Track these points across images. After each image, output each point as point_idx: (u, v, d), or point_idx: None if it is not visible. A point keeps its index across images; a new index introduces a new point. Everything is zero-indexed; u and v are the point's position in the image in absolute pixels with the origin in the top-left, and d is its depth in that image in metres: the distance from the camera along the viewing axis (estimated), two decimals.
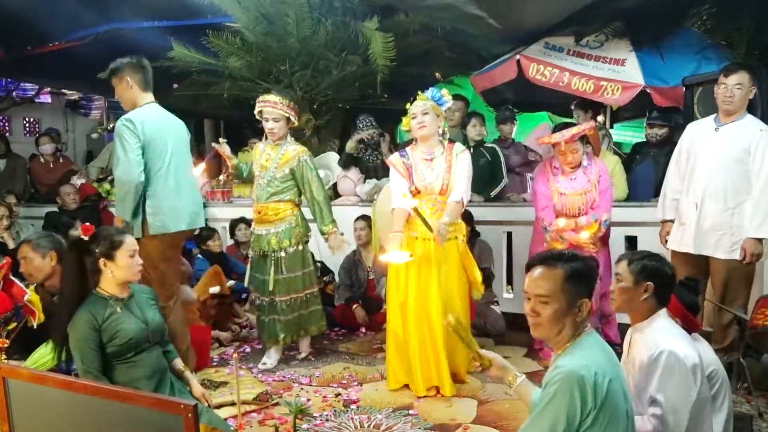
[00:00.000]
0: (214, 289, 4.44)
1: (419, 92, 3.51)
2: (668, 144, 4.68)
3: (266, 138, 4.00)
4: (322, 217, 3.94)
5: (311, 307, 4.06)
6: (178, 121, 3.57)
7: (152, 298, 2.75)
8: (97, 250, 2.52)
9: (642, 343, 2.20)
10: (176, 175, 3.41)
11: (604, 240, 3.91)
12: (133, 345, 2.51)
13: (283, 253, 3.91)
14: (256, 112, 3.95)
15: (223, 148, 4.01)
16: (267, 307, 3.96)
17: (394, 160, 3.61)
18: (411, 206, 3.29)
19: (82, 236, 2.52)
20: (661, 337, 2.14)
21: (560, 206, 3.81)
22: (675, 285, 2.31)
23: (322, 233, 3.99)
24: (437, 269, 3.44)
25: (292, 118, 3.94)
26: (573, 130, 3.75)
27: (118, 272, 2.53)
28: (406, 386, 3.53)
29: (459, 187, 3.47)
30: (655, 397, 2.06)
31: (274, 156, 3.92)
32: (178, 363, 2.80)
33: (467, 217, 4.68)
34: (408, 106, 3.53)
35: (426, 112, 3.43)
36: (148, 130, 3.29)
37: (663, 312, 2.25)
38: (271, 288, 3.90)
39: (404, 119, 3.59)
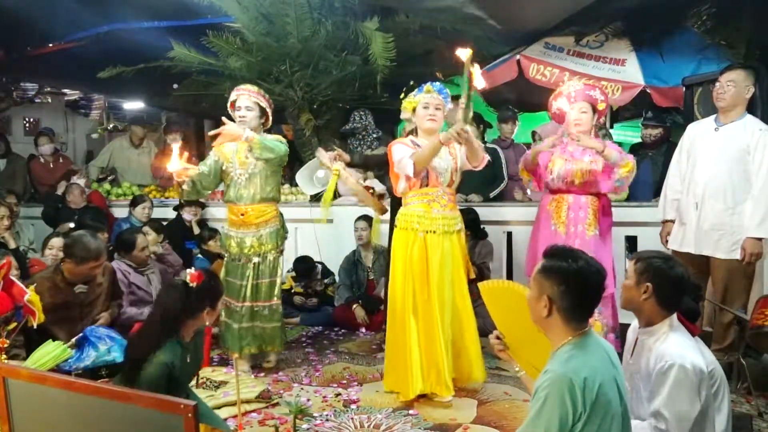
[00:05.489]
0: None
1: (429, 84, 3.45)
2: (664, 144, 4.69)
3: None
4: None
5: (274, 323, 3.87)
6: None
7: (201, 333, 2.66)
8: (207, 300, 2.45)
9: (651, 350, 2.15)
10: None
11: (603, 229, 3.61)
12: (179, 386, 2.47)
13: (261, 258, 3.78)
14: (229, 103, 3.78)
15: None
16: (241, 314, 3.80)
17: (404, 140, 3.49)
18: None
19: (191, 283, 2.40)
20: (672, 348, 2.09)
21: (563, 172, 3.53)
22: (682, 289, 2.20)
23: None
24: (441, 267, 3.35)
25: (267, 110, 3.75)
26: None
27: (210, 320, 2.50)
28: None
29: None
30: (661, 412, 2.03)
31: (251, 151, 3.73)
32: None
33: (474, 219, 4.68)
34: (412, 96, 3.45)
35: (439, 107, 3.41)
36: None
37: (676, 323, 2.18)
38: (249, 293, 3.76)
39: (407, 103, 3.48)
